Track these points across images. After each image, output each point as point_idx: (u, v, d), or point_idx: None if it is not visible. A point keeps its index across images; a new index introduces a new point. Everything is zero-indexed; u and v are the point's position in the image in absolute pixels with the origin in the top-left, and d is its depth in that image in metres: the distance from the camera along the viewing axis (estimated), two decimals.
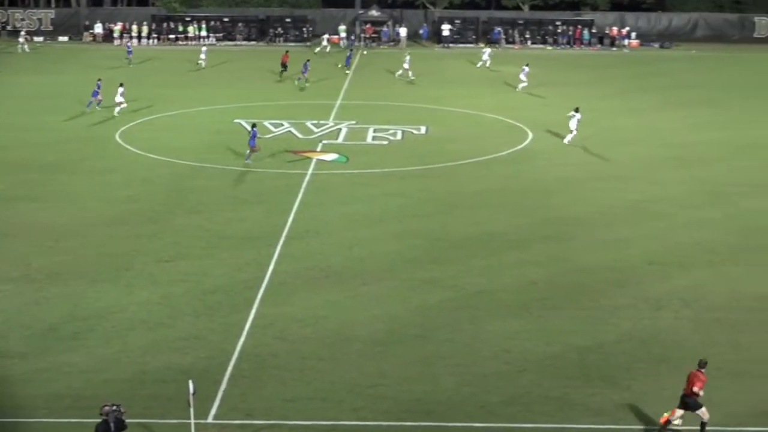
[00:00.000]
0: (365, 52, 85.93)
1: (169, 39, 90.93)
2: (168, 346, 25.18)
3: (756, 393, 22.98)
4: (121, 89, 53.96)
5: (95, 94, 54.99)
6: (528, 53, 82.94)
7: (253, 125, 45.14)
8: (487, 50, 78.32)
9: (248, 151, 43.98)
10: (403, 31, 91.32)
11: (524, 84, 64.98)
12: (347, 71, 72.71)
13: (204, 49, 76.94)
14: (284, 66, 69.20)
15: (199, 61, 74.66)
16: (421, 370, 24.06)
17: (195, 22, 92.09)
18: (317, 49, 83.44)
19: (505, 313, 27.58)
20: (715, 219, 36.69)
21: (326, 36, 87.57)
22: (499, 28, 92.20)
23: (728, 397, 22.71)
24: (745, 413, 22.04)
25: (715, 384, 23.25)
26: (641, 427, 21.47)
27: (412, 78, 68.92)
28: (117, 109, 53.59)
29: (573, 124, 48.69)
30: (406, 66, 70.12)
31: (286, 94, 63.21)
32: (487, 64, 76.06)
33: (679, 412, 21.17)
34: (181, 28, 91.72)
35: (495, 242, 33.74)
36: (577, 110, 49.27)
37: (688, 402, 20.97)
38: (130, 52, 76.52)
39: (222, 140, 48.98)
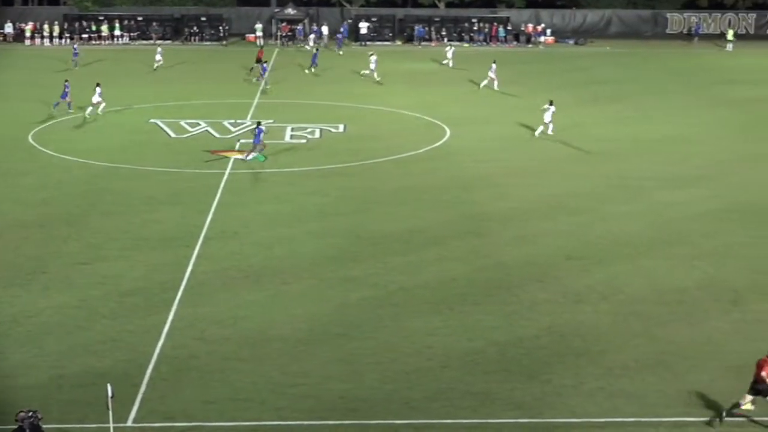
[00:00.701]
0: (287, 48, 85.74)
1: (81, 38, 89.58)
2: (85, 350, 24.79)
3: (672, 384, 23.31)
4: (98, 89, 53.41)
5: (65, 95, 54.22)
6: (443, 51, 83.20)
7: (258, 123, 45.30)
8: (451, 50, 77.92)
9: (251, 150, 44.61)
10: (324, 29, 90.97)
11: (494, 81, 64.90)
12: (313, 71, 71.51)
13: (159, 50, 75.25)
14: (259, 61, 69.82)
15: (156, 64, 73.22)
16: (344, 368, 24.02)
17: (108, 21, 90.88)
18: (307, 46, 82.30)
19: (426, 309, 27.65)
20: (632, 213, 37.20)
21: (312, 36, 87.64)
22: (423, 27, 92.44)
23: (645, 389, 23.02)
24: (661, 404, 22.34)
25: (631, 375, 23.67)
26: (562, 420, 21.66)
27: (378, 79, 68.45)
28: (99, 108, 53.32)
29: (547, 117, 49.78)
30: (372, 67, 69.29)
31: (202, 94, 62.66)
32: (450, 65, 75.66)
33: (749, 397, 21.34)
34: (94, 28, 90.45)
35: (415, 239, 33.82)
36: (551, 103, 50.29)
37: (759, 388, 21.17)
38: (76, 54, 73.98)
39: (137, 140, 48.43)
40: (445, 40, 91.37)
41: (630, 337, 25.89)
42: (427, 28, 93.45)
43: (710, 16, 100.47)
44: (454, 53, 77.20)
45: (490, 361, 24.47)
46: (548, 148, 47.75)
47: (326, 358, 24.51)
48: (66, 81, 55.55)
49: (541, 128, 50.10)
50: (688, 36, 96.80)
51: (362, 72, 70.13)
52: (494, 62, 66.48)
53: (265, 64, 66.32)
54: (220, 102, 59.43)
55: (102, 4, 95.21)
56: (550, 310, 27.68)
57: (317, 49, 77.93)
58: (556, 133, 49.99)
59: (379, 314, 27.28)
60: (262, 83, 64.70)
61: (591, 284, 29.73)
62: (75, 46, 77.60)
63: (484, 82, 65.09)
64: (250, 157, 44.24)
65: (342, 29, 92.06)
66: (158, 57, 73.66)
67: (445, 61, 76.92)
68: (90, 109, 53.43)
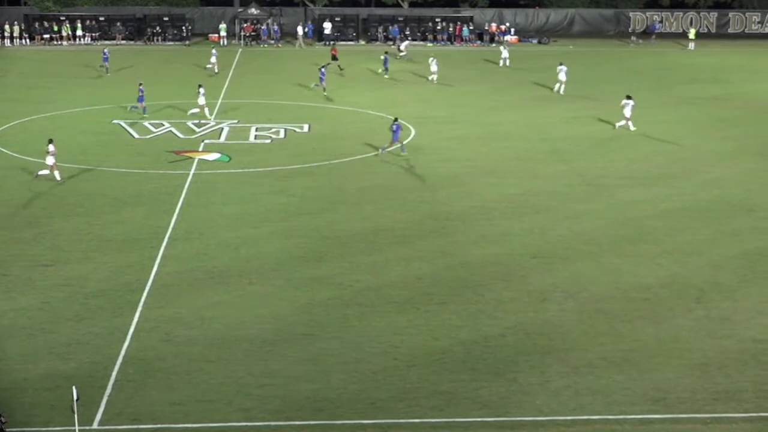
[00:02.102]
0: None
1: (43, 39, 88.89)
2: (50, 352, 24.61)
3: (637, 381, 23.46)
4: (202, 90, 54.28)
5: (141, 99, 54.04)
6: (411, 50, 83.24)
7: (395, 119, 45.58)
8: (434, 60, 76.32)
9: (390, 144, 45.22)
10: (300, 29, 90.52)
11: (562, 85, 64.38)
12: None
13: (214, 51, 74.13)
14: (335, 58, 71.75)
15: (209, 65, 72.58)
16: (310, 368, 24.00)
17: (69, 21, 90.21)
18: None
19: (392, 309, 27.68)
20: (595, 211, 37.40)
21: (300, 34, 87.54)
22: (396, 27, 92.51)
23: (609, 386, 23.17)
24: (626, 401, 22.49)
25: (597, 373, 23.79)
26: (529, 418, 21.74)
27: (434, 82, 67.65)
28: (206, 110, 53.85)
29: (627, 112, 51.13)
30: (434, 69, 68.39)
31: (166, 94, 62.34)
32: (433, 72, 71.73)
33: None
34: (55, 28, 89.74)
35: (380, 239, 33.84)
36: (629, 97, 51.61)
37: None
38: (106, 59, 71.13)
39: (100, 141, 48.15)
40: (409, 39, 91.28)
41: (595, 335, 26.04)
42: (385, 28, 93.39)
43: (672, 15, 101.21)
44: (437, 63, 75.37)
45: (456, 361, 24.53)
46: (511, 147, 47.91)
47: (293, 359, 24.49)
48: (140, 84, 55.08)
49: (622, 122, 51.51)
50: (645, 35, 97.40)
51: (429, 77, 68.82)
52: (562, 64, 64.93)
53: (323, 68, 63.92)
54: (183, 102, 59.15)
55: (63, 4, 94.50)
56: (515, 309, 27.78)
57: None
58: (518, 131, 50.13)
59: (345, 314, 27.28)
60: (322, 87, 62.82)
61: (556, 282, 29.87)
62: (105, 50, 73.21)
63: (557, 87, 64.36)
64: (383, 151, 45.21)
65: (306, 29, 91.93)
66: (213, 59, 72.65)
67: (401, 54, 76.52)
68: (195, 110, 54.27)
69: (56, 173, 40.42)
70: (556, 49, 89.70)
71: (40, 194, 38.68)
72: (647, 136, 51.12)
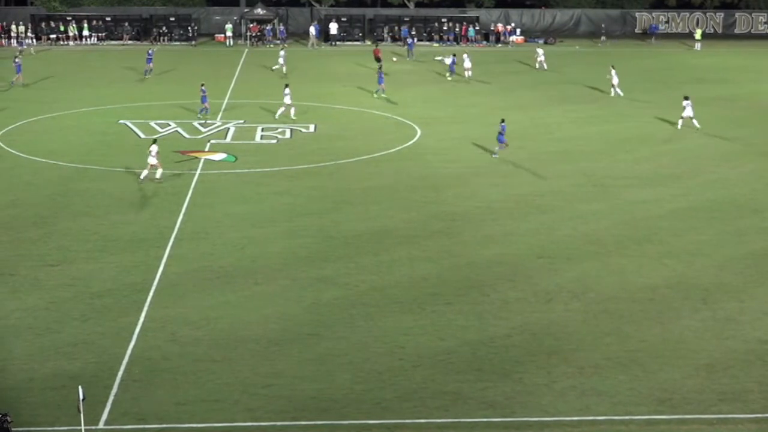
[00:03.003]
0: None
1: (49, 39, 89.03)
2: (56, 352, 24.65)
3: (642, 382, 23.43)
4: (287, 90, 54.57)
5: (204, 99, 53.96)
6: (416, 50, 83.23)
7: (502, 120, 45.40)
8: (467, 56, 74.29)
9: (499, 147, 45.15)
10: (312, 29, 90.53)
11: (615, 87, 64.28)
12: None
13: (282, 53, 74.10)
14: (378, 59, 71.72)
15: (276, 66, 72.87)
16: (316, 368, 24.00)
17: (76, 21, 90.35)
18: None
19: (398, 309, 27.68)
20: (601, 211, 37.37)
21: (313, 34, 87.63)
22: (407, 27, 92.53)
23: (615, 386, 23.14)
24: (631, 402, 22.46)
25: (603, 374, 23.77)
26: (534, 419, 21.72)
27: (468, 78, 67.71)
28: (291, 112, 54.20)
29: (689, 112, 51.47)
30: (467, 66, 69.67)
31: (172, 94, 62.45)
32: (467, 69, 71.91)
33: None
34: (62, 28, 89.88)
35: (386, 238, 33.84)
36: (687, 98, 52.01)
37: None
38: (150, 60, 69.56)
39: (107, 141, 48.21)
40: (416, 39, 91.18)
41: (601, 336, 26.02)
42: (391, 28, 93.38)
43: (678, 16, 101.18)
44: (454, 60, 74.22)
45: (462, 361, 24.51)
46: (517, 147, 47.86)
47: (298, 359, 24.49)
48: (202, 85, 55.13)
49: (688, 123, 51.73)
50: (644, 35, 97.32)
51: (465, 74, 69.43)
52: (613, 67, 64.69)
53: (381, 73, 63.96)
54: (189, 102, 59.20)
55: (70, 4, 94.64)
56: (521, 309, 27.77)
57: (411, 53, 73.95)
58: (524, 131, 50.12)
59: (351, 314, 27.28)
60: (380, 91, 62.61)
61: (561, 283, 29.85)
62: (150, 51, 71.76)
63: (614, 91, 64.12)
64: (497, 155, 45.28)
65: (313, 29, 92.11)
66: (281, 60, 72.78)
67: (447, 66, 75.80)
68: (282, 110, 54.48)
69: (159, 171, 40.59)
70: (562, 50, 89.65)
71: (46, 194, 38.72)
72: (653, 136, 51.07)
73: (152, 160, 40.29)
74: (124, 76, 70.13)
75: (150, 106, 58.32)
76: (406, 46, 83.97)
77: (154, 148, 40.36)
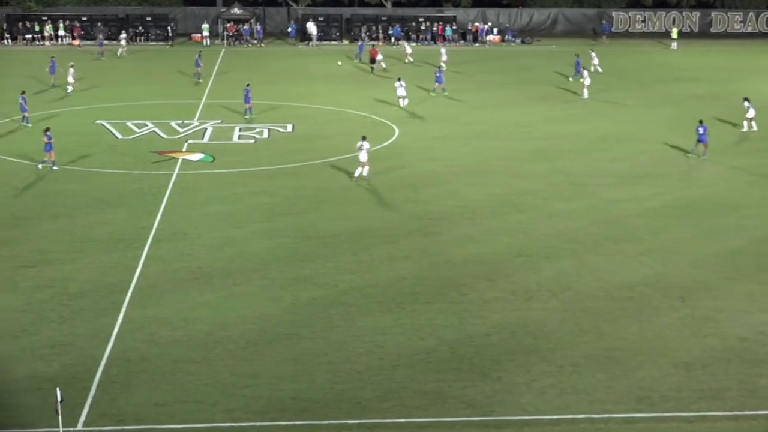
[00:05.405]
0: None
1: (25, 39, 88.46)
2: (33, 354, 24.50)
3: (621, 380, 23.50)
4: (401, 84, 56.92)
5: (247, 100, 53.92)
6: (394, 50, 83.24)
7: (701, 121, 45.79)
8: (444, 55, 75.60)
9: (705, 149, 45.27)
10: (313, 29, 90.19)
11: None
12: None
13: (380, 58, 74.55)
14: (373, 61, 72.10)
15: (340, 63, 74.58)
16: (295, 368, 23.96)
17: (51, 21, 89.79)
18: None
19: (377, 308, 27.66)
20: (578, 210, 37.46)
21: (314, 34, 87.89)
22: (398, 27, 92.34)
23: (594, 385, 23.20)
24: (610, 400, 22.52)
25: (582, 372, 23.83)
26: (514, 417, 21.75)
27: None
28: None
29: (752, 113, 51.59)
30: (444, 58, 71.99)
31: (148, 95, 62.21)
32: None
33: None
34: (37, 28, 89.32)
35: (364, 238, 33.82)
36: (747, 99, 52.08)
37: None
38: (199, 64, 68.18)
39: (83, 142, 47.98)
40: (392, 39, 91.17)
41: (579, 334, 26.08)
42: (369, 27, 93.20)
43: (655, 15, 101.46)
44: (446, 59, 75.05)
45: (441, 360, 24.52)
46: (494, 147, 47.98)
47: (277, 359, 24.44)
48: (247, 85, 54.96)
49: (746, 125, 51.95)
50: (595, 34, 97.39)
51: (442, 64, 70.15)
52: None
53: (440, 71, 64.31)
54: (167, 103, 59.03)
55: (45, 4, 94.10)
56: (500, 308, 27.81)
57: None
58: (501, 130, 50.19)
59: (330, 314, 27.24)
60: (438, 90, 63.11)
61: (540, 281, 29.90)
62: (199, 54, 70.12)
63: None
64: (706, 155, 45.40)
65: (290, 29, 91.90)
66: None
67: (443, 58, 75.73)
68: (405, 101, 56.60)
69: (365, 170, 40.80)
70: (539, 49, 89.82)
71: (22, 195, 38.51)
72: (630, 135, 51.25)
73: (363, 156, 40.57)
74: (103, 77, 69.69)
75: (128, 106, 58.05)
76: (404, 44, 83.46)
77: (365, 144, 40.62)
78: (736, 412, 22.10)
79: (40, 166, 41.79)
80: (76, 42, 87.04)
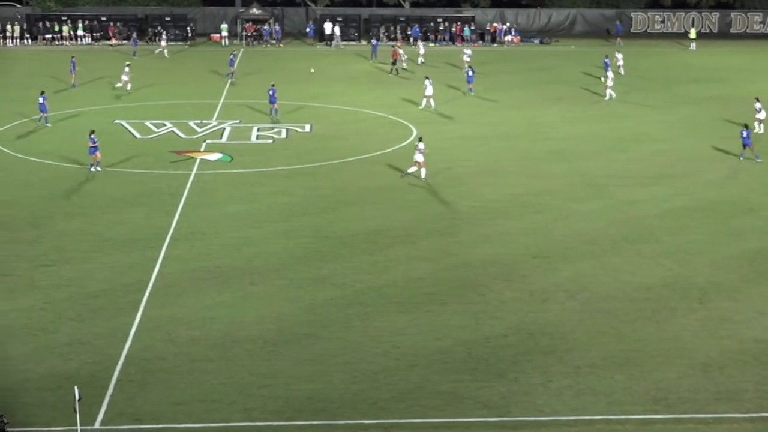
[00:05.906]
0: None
1: (45, 39, 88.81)
2: (51, 352, 24.64)
3: (638, 381, 23.47)
4: (427, 80, 57.82)
5: (273, 100, 53.96)
6: (412, 50, 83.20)
7: (746, 125, 45.83)
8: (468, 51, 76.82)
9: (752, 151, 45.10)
10: (336, 30, 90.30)
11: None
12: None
13: (405, 57, 74.90)
14: (395, 62, 72.13)
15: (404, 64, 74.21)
16: (312, 368, 24.01)
17: (71, 21, 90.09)
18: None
19: (394, 309, 27.69)
20: (595, 211, 37.40)
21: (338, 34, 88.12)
22: (418, 27, 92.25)
23: (611, 386, 23.18)
24: (628, 401, 22.50)
25: (599, 373, 23.80)
26: (530, 418, 21.75)
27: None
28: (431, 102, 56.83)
29: (762, 115, 51.01)
30: (467, 59, 72.49)
31: (167, 94, 62.38)
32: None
33: None
34: (56, 28, 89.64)
35: (382, 239, 33.85)
36: (758, 100, 51.87)
37: None
38: (232, 63, 68.72)
39: (102, 141, 48.06)
40: (411, 39, 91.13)
41: (597, 335, 26.04)
42: (387, 28, 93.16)
43: (674, 15, 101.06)
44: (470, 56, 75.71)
45: (458, 361, 24.53)
46: (512, 147, 47.92)
47: (294, 359, 24.50)
48: (273, 85, 54.92)
49: (758, 127, 51.33)
50: (609, 35, 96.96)
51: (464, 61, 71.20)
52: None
53: (471, 71, 64.81)
54: (185, 102, 59.21)
55: (65, 4, 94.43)
56: (517, 309, 27.79)
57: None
58: (519, 130, 50.12)
59: (347, 314, 27.29)
60: (471, 90, 63.62)
61: (558, 282, 29.87)
62: (234, 54, 71.74)
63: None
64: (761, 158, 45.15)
65: (308, 30, 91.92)
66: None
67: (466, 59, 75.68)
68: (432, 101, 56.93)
69: (423, 170, 40.87)
70: (558, 50, 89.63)
71: (41, 194, 38.70)
72: (649, 136, 51.10)
73: (419, 157, 40.71)
74: (120, 75, 69.87)
75: (146, 106, 58.24)
76: (417, 45, 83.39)
77: (421, 146, 40.82)
78: (753, 414, 22.05)
79: (92, 170, 41.93)
80: (113, 41, 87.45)
